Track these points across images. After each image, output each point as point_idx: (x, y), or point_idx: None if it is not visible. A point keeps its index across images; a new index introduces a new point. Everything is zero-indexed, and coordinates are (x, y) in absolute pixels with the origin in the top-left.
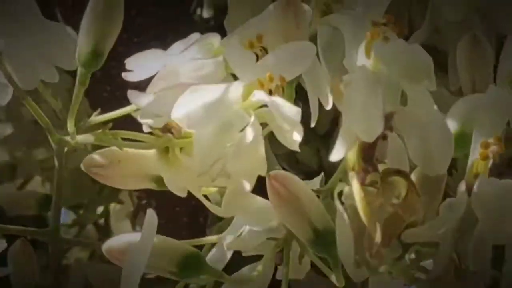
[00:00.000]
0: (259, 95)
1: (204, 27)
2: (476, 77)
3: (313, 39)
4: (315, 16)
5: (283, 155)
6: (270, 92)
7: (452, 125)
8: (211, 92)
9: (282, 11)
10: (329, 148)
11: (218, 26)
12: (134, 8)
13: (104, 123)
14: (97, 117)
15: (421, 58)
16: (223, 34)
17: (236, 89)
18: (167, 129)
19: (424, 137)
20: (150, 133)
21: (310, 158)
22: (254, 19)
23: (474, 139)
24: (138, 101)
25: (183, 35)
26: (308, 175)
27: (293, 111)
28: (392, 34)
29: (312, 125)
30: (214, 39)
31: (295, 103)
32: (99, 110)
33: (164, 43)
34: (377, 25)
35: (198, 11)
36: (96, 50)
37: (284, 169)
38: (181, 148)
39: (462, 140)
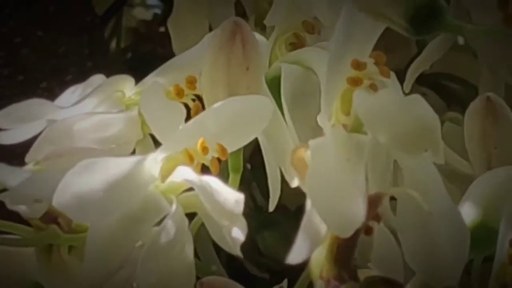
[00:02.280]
0: (184, 174)
1: (121, 61)
2: (493, 156)
3: (275, 83)
4: (279, 51)
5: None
6: (202, 168)
7: (467, 216)
8: (114, 167)
9: (223, 43)
10: None
11: (138, 60)
12: (18, 33)
13: None
14: None
15: (423, 118)
16: (145, 71)
17: (152, 164)
18: (52, 219)
19: (426, 232)
20: (27, 222)
21: (277, 250)
22: (184, 55)
23: (501, 235)
24: (6, 179)
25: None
26: (274, 274)
27: (232, 198)
28: (382, 81)
29: (271, 209)
30: (125, 83)
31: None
32: None
33: (61, 85)
34: (360, 67)
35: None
36: None
37: (235, 266)
38: (70, 247)
39: (483, 236)
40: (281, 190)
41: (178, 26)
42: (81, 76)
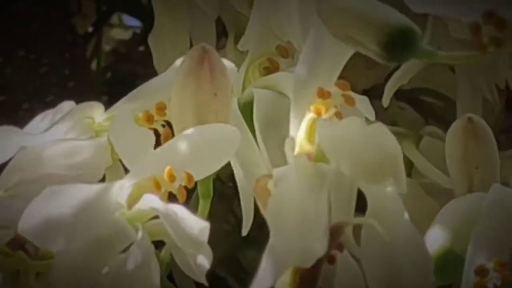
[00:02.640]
0: (151, 201)
1: (101, 81)
2: (474, 174)
3: (248, 108)
4: (252, 75)
5: (222, 261)
6: (169, 196)
7: (435, 241)
8: (80, 194)
9: (191, 70)
10: None
11: (118, 80)
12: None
13: None
14: None
15: (385, 148)
16: (125, 91)
17: (118, 191)
18: (19, 245)
19: (389, 260)
20: None
21: (257, 264)
22: (154, 80)
23: (468, 261)
24: None
25: (71, 92)
26: None
27: (197, 227)
28: (347, 108)
29: (244, 233)
30: (95, 110)
31: None
32: None
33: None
34: (325, 96)
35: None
36: None
37: (218, 283)
38: (37, 274)
39: (450, 264)
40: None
41: (159, 43)
42: (62, 97)
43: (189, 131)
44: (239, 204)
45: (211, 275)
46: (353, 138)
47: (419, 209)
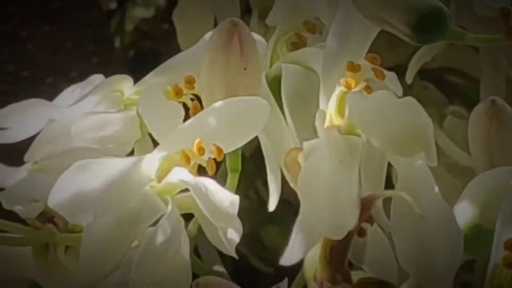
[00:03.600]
0: (180, 174)
1: (125, 58)
2: (497, 157)
3: (276, 83)
4: (280, 51)
5: (244, 238)
6: (199, 169)
7: (463, 216)
8: (109, 168)
9: (221, 43)
10: None
11: (141, 57)
12: (24, 28)
13: None
14: None
15: (416, 121)
16: (147, 68)
17: (148, 164)
18: (48, 218)
19: (419, 234)
20: (24, 221)
21: (281, 243)
22: (183, 55)
23: (496, 236)
24: (3, 179)
25: (95, 68)
26: (278, 268)
27: (227, 200)
28: (377, 82)
29: (271, 208)
30: (124, 83)
31: None
32: None
33: (66, 81)
34: (355, 70)
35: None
36: None
37: (240, 261)
38: (66, 247)
39: (478, 237)
40: (284, 186)
41: (183, 20)
42: (86, 72)
43: (218, 103)
44: (261, 181)
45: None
46: (383, 111)
47: (443, 189)
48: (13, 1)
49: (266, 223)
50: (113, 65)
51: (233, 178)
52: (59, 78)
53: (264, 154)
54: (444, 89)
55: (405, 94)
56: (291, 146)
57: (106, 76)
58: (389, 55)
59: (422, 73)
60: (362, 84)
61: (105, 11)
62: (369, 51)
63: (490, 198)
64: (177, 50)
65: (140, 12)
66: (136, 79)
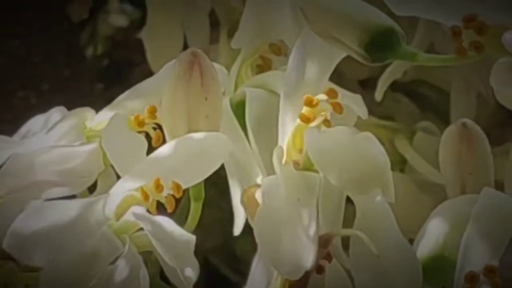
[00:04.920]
0: (137, 213)
1: (97, 68)
2: (467, 180)
3: (240, 107)
4: (245, 74)
5: (215, 249)
6: (157, 206)
7: (426, 246)
8: (65, 210)
9: (181, 74)
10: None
11: (114, 66)
12: None
13: None
14: None
15: (373, 158)
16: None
17: (107, 203)
18: (8, 255)
19: (378, 270)
20: None
21: (253, 254)
22: (145, 83)
23: (458, 267)
24: None
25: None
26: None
27: (183, 240)
28: (343, 118)
29: (236, 233)
30: (86, 115)
31: None
32: None
33: (38, 94)
34: (313, 104)
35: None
36: None
37: (211, 271)
38: (26, 286)
39: (442, 268)
40: None
41: (153, 38)
42: (58, 85)
43: (176, 140)
44: None
45: (204, 262)
46: (341, 147)
47: (412, 205)
48: None
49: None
50: (85, 76)
51: (196, 207)
52: (31, 92)
53: (229, 177)
54: (417, 102)
55: (375, 107)
56: (255, 171)
57: (78, 87)
58: (360, 68)
59: (395, 85)
60: (320, 119)
61: (75, 23)
62: (341, 63)
63: (453, 227)
64: None
65: (113, 21)
66: (109, 89)
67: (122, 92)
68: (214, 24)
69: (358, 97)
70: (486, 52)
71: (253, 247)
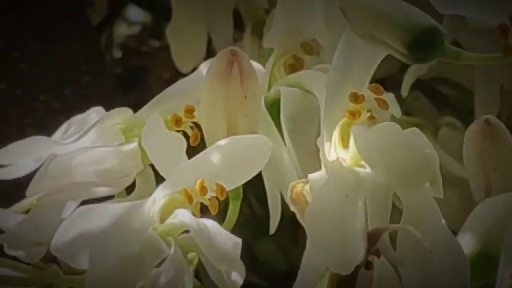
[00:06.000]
0: (182, 216)
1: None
2: (492, 178)
3: (274, 106)
4: (278, 73)
5: None
6: (201, 208)
7: (468, 243)
8: (113, 212)
9: (220, 73)
10: (301, 241)
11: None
12: (15, 47)
13: None
14: None
15: (421, 153)
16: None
17: (151, 205)
18: (52, 258)
19: (426, 264)
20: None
21: (275, 257)
22: (180, 83)
23: (501, 266)
24: (1, 222)
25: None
26: (273, 281)
27: (230, 242)
28: (381, 113)
29: (271, 231)
30: (124, 115)
31: None
32: None
33: (59, 99)
34: (358, 100)
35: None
36: None
37: None
38: None
39: (484, 265)
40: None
41: (177, 36)
42: (79, 90)
43: (220, 143)
44: (254, 195)
45: None
46: (388, 143)
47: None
48: (4, 20)
49: (259, 236)
50: (105, 82)
51: (235, 206)
52: (52, 96)
53: (264, 178)
54: (434, 100)
55: None
56: (290, 170)
57: (98, 92)
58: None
59: (414, 83)
60: (366, 115)
61: (95, 27)
62: None
63: (495, 224)
64: (165, 66)
65: (126, 29)
66: (126, 95)
67: (138, 97)
68: (238, 22)
69: (391, 95)
70: None
71: (274, 249)
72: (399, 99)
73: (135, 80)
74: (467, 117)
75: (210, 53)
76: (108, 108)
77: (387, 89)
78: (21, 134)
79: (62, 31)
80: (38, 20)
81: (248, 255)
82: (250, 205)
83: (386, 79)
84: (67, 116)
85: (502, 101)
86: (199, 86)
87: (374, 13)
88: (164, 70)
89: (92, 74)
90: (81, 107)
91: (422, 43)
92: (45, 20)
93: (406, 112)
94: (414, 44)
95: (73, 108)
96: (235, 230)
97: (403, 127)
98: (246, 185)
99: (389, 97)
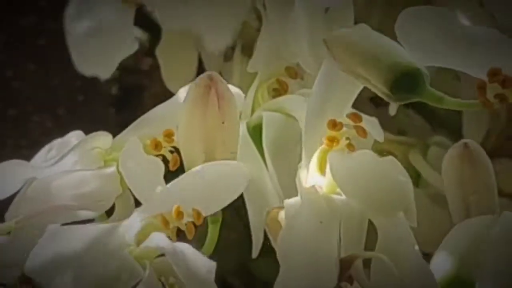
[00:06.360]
0: (158, 240)
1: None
2: (471, 202)
3: (257, 131)
4: (262, 97)
5: (234, 270)
6: (178, 233)
7: (441, 267)
8: (87, 233)
9: (198, 98)
10: None
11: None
12: (10, 66)
13: None
14: None
15: (396, 182)
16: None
17: (128, 228)
18: (27, 280)
19: None
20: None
21: (272, 275)
22: (160, 107)
23: None
24: None
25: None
26: None
27: (204, 266)
28: (361, 141)
29: (254, 255)
30: (103, 139)
31: None
32: None
33: (53, 118)
34: (336, 128)
35: None
36: None
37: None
38: None
39: None
40: None
41: (167, 56)
42: (73, 109)
43: (197, 168)
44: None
45: (223, 283)
46: (364, 171)
47: (427, 219)
48: None
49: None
50: (99, 101)
51: (214, 230)
52: (46, 116)
53: (246, 201)
54: (427, 117)
55: (387, 122)
56: (272, 195)
57: (92, 111)
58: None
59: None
60: (344, 142)
61: None
62: None
63: (469, 248)
64: (161, 84)
65: None
66: (121, 114)
67: (133, 116)
68: None
69: (374, 120)
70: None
71: (272, 268)
72: (391, 117)
73: (130, 98)
74: (458, 135)
75: (200, 73)
76: (103, 126)
77: (379, 106)
78: (17, 154)
79: (55, 50)
80: (31, 40)
81: (245, 274)
82: (246, 224)
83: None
84: (62, 136)
85: (491, 120)
86: (178, 111)
87: (358, 50)
88: (160, 88)
89: (86, 93)
90: (75, 127)
91: (404, 84)
92: (38, 39)
93: (398, 130)
94: (396, 84)
95: (67, 128)
96: (231, 249)
97: (392, 147)
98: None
99: (372, 121)
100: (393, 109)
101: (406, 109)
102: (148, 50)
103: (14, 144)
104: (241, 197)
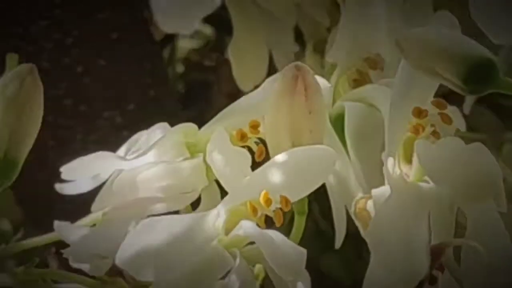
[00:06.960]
0: (247, 228)
1: (178, 89)
2: None
3: (339, 121)
4: (342, 88)
5: None
6: (266, 220)
7: None
8: (176, 225)
9: (285, 88)
10: (365, 255)
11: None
12: (80, 62)
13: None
14: (17, 243)
15: (485, 168)
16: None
17: (216, 217)
18: (117, 271)
19: (489, 280)
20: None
21: (338, 270)
22: (245, 99)
23: None
24: (67, 235)
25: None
26: None
27: (294, 253)
28: (445, 127)
29: (337, 246)
30: (188, 130)
31: None
32: (21, 231)
33: (123, 114)
34: (422, 115)
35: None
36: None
37: None
38: None
39: None
40: None
41: (239, 53)
42: (143, 106)
43: (284, 154)
44: (318, 209)
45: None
46: (452, 158)
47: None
48: (69, 36)
49: (324, 251)
50: (168, 96)
51: (300, 221)
52: (116, 112)
53: (329, 191)
54: (500, 114)
55: None
56: (355, 185)
57: (162, 107)
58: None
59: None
60: (430, 130)
61: (158, 42)
62: None
63: None
64: (227, 80)
65: (189, 43)
66: (188, 110)
67: (200, 112)
68: (299, 40)
69: (455, 109)
70: None
71: (340, 264)
72: (464, 114)
73: (198, 94)
74: None
75: (271, 71)
76: (172, 123)
77: (451, 104)
78: (86, 150)
79: (126, 46)
80: (102, 35)
81: (314, 271)
82: (315, 221)
83: (448, 95)
84: (131, 132)
85: None
86: (264, 102)
87: (429, 46)
88: (226, 84)
89: (156, 89)
90: (145, 123)
91: (477, 76)
92: (109, 36)
93: (470, 127)
94: (469, 77)
95: (136, 123)
96: (299, 244)
97: (467, 143)
98: (311, 200)
99: (453, 111)
100: (467, 107)
101: (479, 106)
102: (214, 46)
103: (83, 139)
104: (313, 192)
